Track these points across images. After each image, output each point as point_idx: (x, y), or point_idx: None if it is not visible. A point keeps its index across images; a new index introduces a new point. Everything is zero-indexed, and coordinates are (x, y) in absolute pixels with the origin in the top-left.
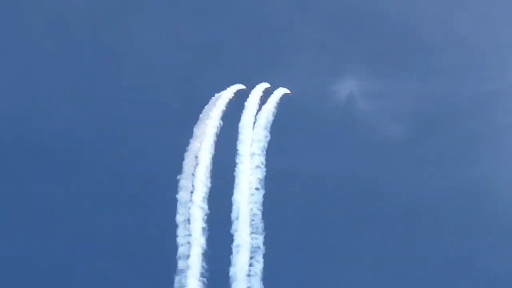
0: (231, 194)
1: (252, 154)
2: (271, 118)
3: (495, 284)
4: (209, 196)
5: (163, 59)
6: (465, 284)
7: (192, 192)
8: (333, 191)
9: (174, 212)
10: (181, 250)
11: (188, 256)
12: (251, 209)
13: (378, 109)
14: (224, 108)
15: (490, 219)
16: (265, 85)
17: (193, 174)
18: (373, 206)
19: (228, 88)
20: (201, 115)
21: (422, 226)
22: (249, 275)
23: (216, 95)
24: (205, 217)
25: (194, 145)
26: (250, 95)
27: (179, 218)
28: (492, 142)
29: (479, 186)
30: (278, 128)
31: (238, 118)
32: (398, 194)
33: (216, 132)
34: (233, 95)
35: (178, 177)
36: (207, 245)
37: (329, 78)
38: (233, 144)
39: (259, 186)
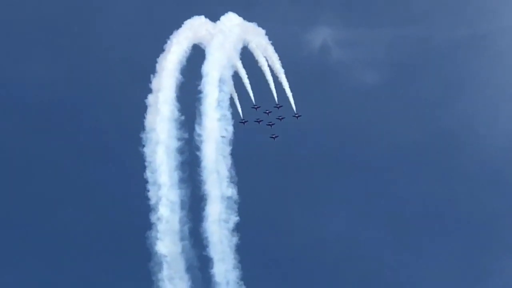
0: (198, 144)
1: (218, 105)
2: (238, 66)
3: (472, 225)
4: (176, 148)
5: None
6: (444, 227)
7: (157, 144)
8: (308, 139)
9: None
10: (152, 204)
11: (156, 210)
12: (219, 158)
13: (353, 57)
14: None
15: (465, 163)
16: (231, 17)
17: (155, 128)
18: (349, 152)
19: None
20: (158, 65)
21: (398, 170)
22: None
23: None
24: (175, 167)
25: (154, 96)
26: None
27: (149, 172)
28: (467, 86)
29: (455, 130)
30: (249, 76)
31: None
32: (374, 140)
33: (177, 83)
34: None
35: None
36: (179, 197)
37: (302, 28)
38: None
39: (225, 135)
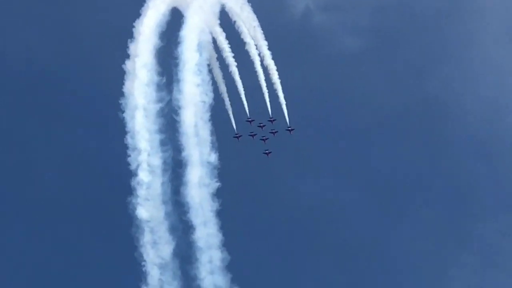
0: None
1: (197, 69)
2: (218, 31)
3: (454, 190)
4: (155, 113)
5: None
6: (426, 192)
7: (137, 109)
8: (290, 104)
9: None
10: (132, 169)
11: (137, 175)
12: (199, 123)
13: (335, 22)
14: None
15: (448, 129)
16: None
17: (134, 93)
18: (331, 118)
19: None
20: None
21: (380, 136)
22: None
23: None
24: (155, 132)
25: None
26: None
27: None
28: (451, 53)
29: (438, 96)
30: (230, 41)
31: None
32: (357, 106)
33: (155, 48)
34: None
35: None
36: (159, 162)
37: None
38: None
39: (205, 100)
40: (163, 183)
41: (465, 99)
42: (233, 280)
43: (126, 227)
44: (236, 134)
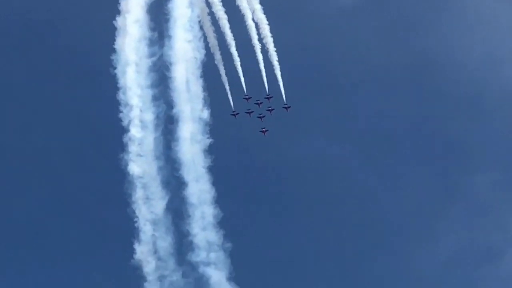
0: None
1: (189, 25)
2: None
3: (445, 144)
4: (147, 69)
5: None
6: (418, 146)
7: (128, 65)
8: (283, 59)
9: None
10: (125, 125)
11: (129, 131)
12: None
13: None
14: None
15: (441, 83)
16: None
17: (126, 49)
18: (324, 72)
19: None
20: None
21: (373, 89)
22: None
23: None
24: (146, 88)
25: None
26: None
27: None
28: (447, 8)
29: (432, 51)
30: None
31: None
32: (351, 60)
33: (146, 4)
34: None
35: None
36: (151, 118)
37: None
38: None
39: (197, 56)
40: (155, 139)
41: (459, 54)
42: (225, 237)
43: (119, 184)
44: (234, 111)
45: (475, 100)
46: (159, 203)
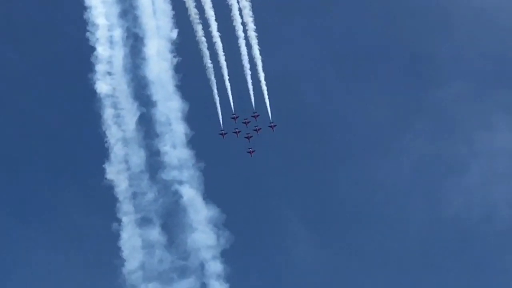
0: None
1: None
2: None
3: (411, 55)
4: None
5: None
6: (385, 62)
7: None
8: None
9: None
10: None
11: (96, 50)
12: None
13: None
14: None
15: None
16: None
17: None
18: None
19: None
20: None
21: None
22: None
23: None
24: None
25: None
26: None
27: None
28: None
29: None
30: None
31: None
32: None
33: None
34: None
35: None
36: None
37: None
38: None
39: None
40: (123, 57)
41: None
42: (197, 155)
43: (88, 104)
44: (222, 130)
45: (441, 12)
46: (129, 122)
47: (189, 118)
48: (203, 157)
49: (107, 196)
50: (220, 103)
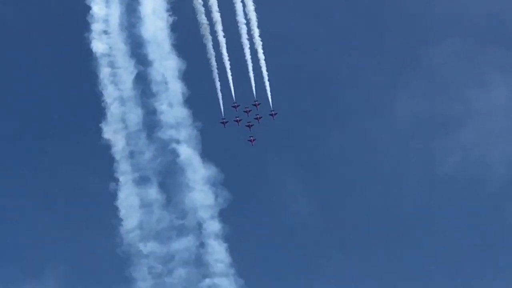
0: None
1: None
2: None
3: (403, 13)
4: None
5: None
6: (375, 22)
7: None
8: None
9: None
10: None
11: (92, 10)
12: None
13: None
14: None
15: None
16: None
17: None
18: None
19: None
20: None
21: None
22: None
23: None
24: None
25: None
26: None
27: None
28: None
29: None
30: None
31: None
32: None
33: None
34: None
35: None
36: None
37: None
38: None
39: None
40: (119, 16)
41: None
42: (194, 115)
43: (84, 63)
44: (223, 119)
45: None
46: (126, 80)
47: (186, 77)
48: (200, 116)
49: (104, 156)
50: (221, 92)
